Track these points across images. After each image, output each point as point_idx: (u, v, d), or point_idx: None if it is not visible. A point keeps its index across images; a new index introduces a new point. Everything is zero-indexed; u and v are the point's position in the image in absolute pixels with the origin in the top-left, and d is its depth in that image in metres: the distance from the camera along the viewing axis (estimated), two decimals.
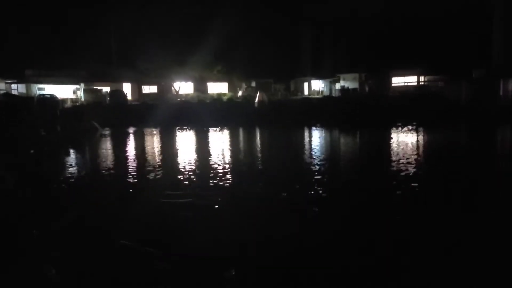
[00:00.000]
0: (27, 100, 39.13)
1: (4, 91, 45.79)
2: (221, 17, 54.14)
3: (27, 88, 48.93)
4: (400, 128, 29.71)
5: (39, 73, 51.14)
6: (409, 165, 15.51)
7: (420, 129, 29.75)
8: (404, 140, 23.91)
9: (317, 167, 15.84)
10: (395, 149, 20.71)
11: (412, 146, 21.48)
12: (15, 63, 50.90)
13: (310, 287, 6.47)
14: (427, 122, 33.11)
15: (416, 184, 12.73)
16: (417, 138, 25.64)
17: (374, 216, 9.80)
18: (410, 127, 30.35)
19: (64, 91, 48.79)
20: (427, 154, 19.68)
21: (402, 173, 14.16)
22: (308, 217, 9.88)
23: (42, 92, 46.25)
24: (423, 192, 12.03)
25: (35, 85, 49.05)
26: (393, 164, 16.17)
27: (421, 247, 7.81)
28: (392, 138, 25.86)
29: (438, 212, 10.03)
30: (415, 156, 17.86)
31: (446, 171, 14.93)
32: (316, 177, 14.10)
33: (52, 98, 39.22)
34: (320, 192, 12.08)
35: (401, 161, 16.48)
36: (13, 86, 49.75)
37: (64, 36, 57.58)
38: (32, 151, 22.36)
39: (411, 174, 14.14)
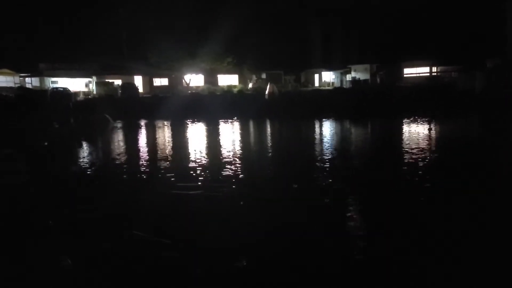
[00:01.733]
0: (41, 93, 39.71)
1: (19, 85, 46.49)
2: (232, 9, 54.01)
3: (41, 82, 49.55)
4: (413, 119, 29.46)
5: (53, 67, 51.75)
6: (421, 158, 15.44)
7: (434, 120, 29.42)
8: (416, 131, 23.73)
9: (329, 159, 15.85)
10: (406, 140, 20.60)
11: (425, 138, 21.31)
12: (29, 57, 51.57)
13: (319, 279, 6.55)
14: (441, 113, 32.79)
15: (427, 177, 12.69)
16: (430, 129, 25.40)
17: (389, 209, 9.82)
18: (423, 118, 30.06)
19: (77, 84, 49.31)
20: (442, 146, 19.53)
21: (415, 165, 14.12)
22: (319, 209, 9.94)
23: (55, 85, 46.80)
24: (436, 186, 11.99)
25: (48, 78, 49.66)
26: (406, 155, 16.11)
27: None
28: (404, 129, 25.69)
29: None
30: (427, 149, 17.73)
31: (464, 164, 14.83)
32: (327, 168, 14.13)
33: (65, 91, 39.74)
34: (331, 183, 12.12)
35: (413, 152, 16.40)
36: (27, 79, 50.44)
37: (77, 30, 58.01)
38: (45, 143, 22.73)
39: (423, 165, 14.08)
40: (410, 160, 14.93)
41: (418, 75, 51.21)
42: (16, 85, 46.19)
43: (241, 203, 10.30)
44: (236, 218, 9.27)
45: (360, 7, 63.74)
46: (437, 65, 51.54)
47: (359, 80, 50.74)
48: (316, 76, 60.70)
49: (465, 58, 47.52)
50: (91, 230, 8.72)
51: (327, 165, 14.80)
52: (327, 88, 53.20)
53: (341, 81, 55.91)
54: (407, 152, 16.70)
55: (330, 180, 12.44)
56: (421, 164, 14.31)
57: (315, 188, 11.68)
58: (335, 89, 49.83)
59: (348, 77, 54.34)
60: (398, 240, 7.82)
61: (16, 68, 48.99)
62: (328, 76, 59.60)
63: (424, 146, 17.95)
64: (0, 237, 8.52)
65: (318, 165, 14.90)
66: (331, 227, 8.60)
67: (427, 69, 51.67)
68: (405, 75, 52.16)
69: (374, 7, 61.65)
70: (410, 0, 59.49)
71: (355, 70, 54.28)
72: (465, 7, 55.30)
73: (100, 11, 59.07)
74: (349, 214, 9.38)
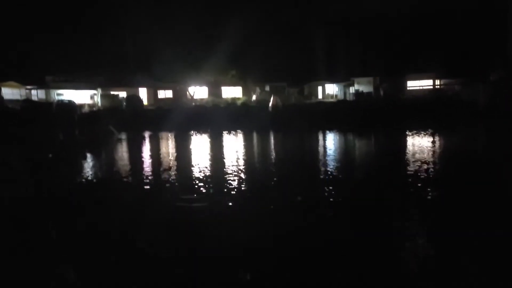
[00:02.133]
0: (46, 105, 40.04)
1: (25, 97, 46.92)
2: (235, 22, 54.56)
3: (47, 94, 50.02)
4: (417, 132, 29.43)
5: (59, 79, 52.29)
6: (424, 171, 15.42)
7: (438, 133, 29.35)
8: (421, 144, 23.69)
9: (332, 172, 15.86)
10: (410, 153, 20.56)
11: (429, 151, 21.27)
12: (36, 70, 52.13)
13: None
14: (445, 126, 32.75)
15: (430, 190, 12.66)
16: (434, 142, 25.36)
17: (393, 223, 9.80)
18: (427, 131, 30.02)
19: (82, 97, 49.72)
20: (447, 160, 19.47)
21: (417, 177, 14.09)
22: (323, 221, 9.93)
23: (61, 97, 47.24)
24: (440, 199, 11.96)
25: (54, 90, 50.15)
26: (410, 168, 16.09)
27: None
28: (408, 142, 25.67)
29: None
30: (432, 162, 17.70)
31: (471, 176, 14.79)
32: (330, 181, 14.14)
33: (70, 104, 40.09)
34: (334, 195, 12.12)
35: (417, 165, 16.38)
36: (33, 92, 50.90)
37: (83, 43, 58.66)
38: (50, 155, 22.85)
39: (426, 178, 14.06)
40: (414, 174, 14.90)
41: (421, 88, 51.32)
42: (22, 98, 46.63)
43: (245, 215, 10.32)
44: (240, 230, 9.28)
45: (363, 20, 64.19)
46: (440, 78, 51.64)
47: (362, 92, 50.90)
48: (320, 88, 60.95)
49: (468, 71, 47.60)
50: (93, 243, 8.74)
51: (331, 177, 14.80)
52: (330, 100, 53.38)
53: (345, 94, 56.11)
54: (411, 165, 16.67)
55: (334, 193, 12.43)
56: (424, 178, 14.28)
57: (319, 200, 11.68)
58: (339, 101, 49.98)
59: (352, 90, 54.54)
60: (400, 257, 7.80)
61: (23, 80, 49.51)
62: (332, 89, 59.84)
63: (428, 160, 17.90)
64: (2, 248, 8.56)
65: (322, 177, 14.91)
66: (334, 240, 8.60)
67: (430, 82, 51.79)
68: (408, 88, 52.29)
69: (377, 20, 62.06)
70: (412, 13, 59.94)
71: (358, 83, 54.48)
72: (468, 19, 55.59)
73: (106, 24, 59.85)
74: (352, 227, 9.38)
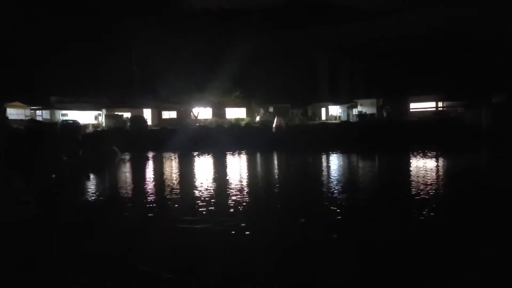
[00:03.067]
0: (50, 125, 40.21)
1: (29, 117, 47.27)
2: (239, 44, 55.26)
3: (51, 114, 50.41)
4: (420, 154, 29.37)
5: (63, 100, 52.77)
6: (428, 193, 15.32)
7: (442, 155, 29.28)
8: (424, 166, 23.62)
9: (335, 194, 15.78)
10: (415, 176, 20.48)
11: (433, 174, 21.18)
12: (41, 91, 52.66)
13: None
14: (448, 148, 32.67)
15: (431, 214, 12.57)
16: (438, 165, 25.29)
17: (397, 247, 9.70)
18: (430, 153, 29.96)
19: (87, 117, 50.07)
20: (452, 184, 19.38)
21: (422, 202, 14.00)
22: (325, 244, 9.85)
23: (65, 117, 47.51)
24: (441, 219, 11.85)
25: (59, 111, 50.55)
26: (414, 191, 16.00)
27: None
28: (412, 164, 25.60)
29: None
30: (436, 186, 17.61)
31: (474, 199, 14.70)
32: (334, 203, 14.06)
33: (74, 124, 40.24)
34: (338, 218, 12.04)
35: (420, 188, 16.29)
36: (38, 112, 51.28)
37: (88, 64, 59.39)
38: (53, 175, 22.88)
39: (429, 202, 13.96)
40: (417, 197, 14.82)
41: (424, 109, 51.47)
42: (27, 118, 46.97)
43: (248, 237, 10.24)
44: (242, 252, 9.19)
45: (367, 42, 64.92)
46: (443, 100, 51.84)
47: (365, 114, 51.09)
48: (323, 110, 61.23)
49: (471, 93, 47.81)
50: (95, 265, 8.67)
51: (334, 200, 14.71)
52: (334, 121, 53.53)
53: (348, 115, 56.33)
54: (414, 189, 16.59)
55: (338, 217, 12.35)
56: (427, 202, 14.18)
57: (322, 223, 11.60)
58: (342, 123, 50.11)
59: (355, 111, 54.79)
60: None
61: (28, 101, 49.95)
62: (335, 110, 60.11)
63: (432, 184, 17.81)
64: (5, 267, 8.50)
65: (325, 200, 14.83)
66: (336, 264, 8.50)
67: (433, 104, 51.98)
68: (411, 110, 52.45)
69: (380, 43, 62.75)
70: (416, 35, 60.62)
71: (361, 104, 54.78)
72: (471, 42, 56.12)
73: (111, 46, 60.70)
74: (354, 251, 9.28)
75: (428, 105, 51.96)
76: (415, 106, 52.71)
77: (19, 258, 9.21)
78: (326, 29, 74.46)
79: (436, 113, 49.24)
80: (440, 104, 52.00)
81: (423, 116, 48.39)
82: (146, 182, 21.10)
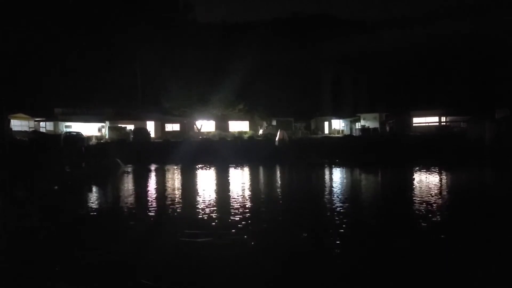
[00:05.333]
0: (54, 137, 40.44)
1: (33, 129, 47.53)
2: (243, 57, 55.66)
3: (55, 126, 50.66)
4: (424, 169, 29.23)
5: (67, 112, 53.07)
6: (431, 207, 15.24)
7: (445, 170, 29.12)
8: (428, 181, 23.52)
9: (338, 208, 15.70)
10: (417, 190, 20.39)
11: (437, 189, 21.08)
12: (45, 102, 53.01)
13: None
14: (452, 163, 32.54)
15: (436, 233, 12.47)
16: (442, 180, 25.17)
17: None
18: (434, 168, 29.79)
19: (90, 129, 50.29)
20: (457, 199, 19.28)
21: (422, 217, 13.91)
22: (328, 258, 9.77)
23: (68, 129, 47.76)
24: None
25: (62, 123, 50.80)
26: (416, 206, 15.91)
27: None
28: (415, 178, 25.50)
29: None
30: (440, 201, 17.51)
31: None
32: (335, 217, 13.98)
33: (78, 136, 40.48)
34: (340, 232, 11.96)
35: (422, 204, 16.21)
36: (42, 123, 51.55)
37: (92, 76, 59.86)
38: (56, 187, 22.89)
39: (432, 217, 13.87)
40: (419, 213, 14.73)
41: (427, 124, 51.46)
42: (31, 129, 47.21)
43: (250, 251, 10.17)
44: (244, 267, 9.13)
45: (370, 56, 65.28)
46: (446, 115, 51.84)
47: (368, 128, 51.12)
48: (326, 123, 61.32)
49: (474, 108, 47.83)
50: (97, 278, 8.62)
51: (337, 214, 14.63)
52: (337, 135, 53.55)
53: (351, 129, 56.38)
54: (417, 204, 16.51)
55: (341, 230, 12.28)
56: (430, 216, 14.10)
57: (325, 237, 11.53)
58: (345, 136, 50.13)
59: (358, 125, 54.84)
60: None
61: (32, 112, 50.27)
62: (338, 124, 60.18)
63: (436, 198, 17.73)
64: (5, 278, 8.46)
65: (328, 214, 14.76)
66: (339, 278, 8.43)
67: (436, 118, 51.98)
68: (414, 124, 52.45)
69: (383, 57, 63.09)
70: (419, 50, 60.96)
71: (364, 119, 54.88)
72: (474, 57, 56.34)
73: (114, 58, 61.24)
74: (357, 265, 9.20)
75: (431, 120, 51.96)
76: (418, 121, 52.72)
77: (18, 269, 9.17)
78: (330, 43, 75.02)
79: (439, 128, 49.21)
80: (443, 119, 52.00)
81: (426, 130, 48.36)
82: (148, 195, 21.07)
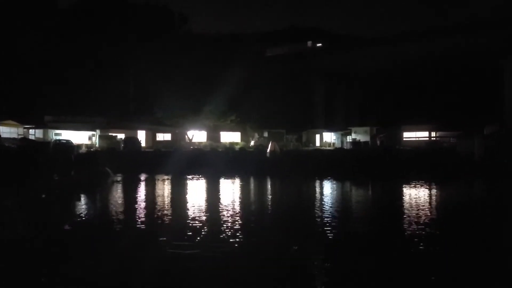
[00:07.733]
0: (43, 145, 39.94)
1: (22, 136, 46.95)
2: (236, 68, 55.88)
3: (44, 133, 50.12)
4: (413, 183, 29.30)
5: (57, 119, 52.64)
6: (421, 223, 15.24)
7: (435, 185, 29.23)
8: (417, 195, 23.59)
9: (328, 221, 15.64)
10: (407, 204, 20.43)
11: (426, 204, 21.14)
12: (35, 110, 52.57)
13: None
14: (442, 177, 32.69)
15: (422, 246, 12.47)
16: (431, 195, 25.25)
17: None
18: (424, 182, 29.89)
19: (80, 137, 49.84)
20: (447, 214, 19.33)
21: (413, 230, 13.91)
22: (317, 272, 9.69)
23: (58, 137, 47.24)
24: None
25: (52, 130, 50.30)
26: (406, 219, 15.91)
27: None
28: (405, 192, 25.57)
29: None
30: (428, 216, 17.54)
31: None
32: (326, 230, 13.92)
33: (67, 144, 40.01)
34: (330, 245, 11.90)
35: (412, 218, 16.22)
36: (31, 131, 50.98)
37: (83, 84, 59.64)
38: (43, 195, 22.57)
39: (420, 232, 13.87)
40: (408, 227, 14.73)
41: (417, 139, 51.86)
42: (19, 136, 46.63)
43: (239, 263, 10.06)
44: (233, 280, 9.01)
45: (362, 71, 65.87)
46: (436, 130, 52.29)
47: (359, 141, 51.37)
48: (317, 136, 61.53)
49: (464, 124, 48.28)
50: None
51: (327, 227, 14.57)
52: (328, 148, 53.67)
53: (342, 142, 56.59)
54: (407, 218, 16.52)
55: (331, 243, 12.22)
56: (418, 232, 14.10)
57: (315, 250, 11.45)
58: (336, 149, 50.25)
59: (349, 139, 55.12)
60: None
61: (21, 119, 49.71)
62: (329, 137, 60.44)
63: (425, 213, 17.76)
64: None
65: (318, 227, 14.69)
66: None
67: (426, 133, 52.43)
68: (404, 139, 52.79)
69: (375, 72, 63.70)
70: (410, 66, 61.67)
71: (355, 132, 55.21)
72: (464, 73, 57.05)
73: (106, 67, 61.11)
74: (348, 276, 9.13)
75: (422, 135, 52.40)
76: (408, 135, 53.11)
77: (5, 279, 8.96)
78: (322, 57, 75.64)
79: (429, 142, 49.56)
80: (433, 133, 52.44)
81: (416, 145, 48.68)
82: (137, 205, 20.83)
